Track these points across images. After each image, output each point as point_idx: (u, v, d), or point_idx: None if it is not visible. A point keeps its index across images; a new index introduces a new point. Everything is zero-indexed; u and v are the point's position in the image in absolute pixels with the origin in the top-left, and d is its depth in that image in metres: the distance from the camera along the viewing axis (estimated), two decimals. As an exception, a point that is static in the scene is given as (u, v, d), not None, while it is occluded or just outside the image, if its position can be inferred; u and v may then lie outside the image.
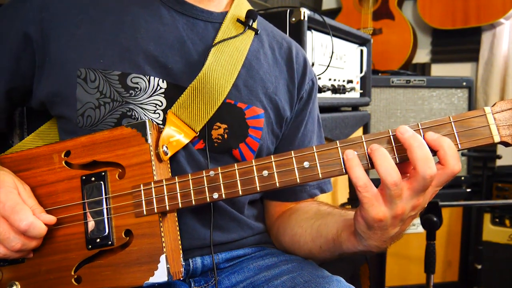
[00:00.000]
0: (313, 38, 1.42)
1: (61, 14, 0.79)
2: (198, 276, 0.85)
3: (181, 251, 0.74)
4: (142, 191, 0.71)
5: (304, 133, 0.97)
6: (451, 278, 2.37)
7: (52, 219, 0.73)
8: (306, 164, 0.66)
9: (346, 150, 0.65)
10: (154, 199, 0.70)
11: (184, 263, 0.75)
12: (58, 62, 0.78)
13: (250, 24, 0.88)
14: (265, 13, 1.39)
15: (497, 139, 0.62)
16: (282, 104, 0.91)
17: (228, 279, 0.85)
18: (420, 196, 0.63)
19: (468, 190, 2.33)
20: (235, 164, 0.68)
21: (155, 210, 0.70)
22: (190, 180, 0.70)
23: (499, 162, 2.51)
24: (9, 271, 0.77)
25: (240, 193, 0.68)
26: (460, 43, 2.78)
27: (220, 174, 0.69)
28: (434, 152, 0.63)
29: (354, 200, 1.73)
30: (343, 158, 0.65)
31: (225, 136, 0.83)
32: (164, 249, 0.69)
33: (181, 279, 0.74)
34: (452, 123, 0.63)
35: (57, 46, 0.78)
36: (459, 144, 0.63)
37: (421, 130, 0.63)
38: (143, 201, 0.71)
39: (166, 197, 0.70)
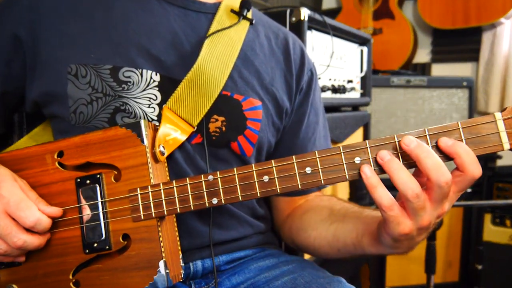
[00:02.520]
0: (313, 38, 1.42)
1: (50, 13, 0.78)
2: (198, 278, 0.84)
3: (180, 253, 0.74)
4: (139, 195, 0.69)
5: (308, 124, 0.95)
6: (451, 279, 2.37)
7: (57, 211, 0.72)
8: (308, 169, 0.64)
9: (363, 167, 0.62)
10: (152, 203, 0.69)
11: (183, 265, 0.74)
12: (49, 61, 0.77)
13: (245, 14, 0.87)
14: (265, 13, 1.38)
15: (506, 146, 0.60)
16: (280, 95, 0.89)
17: (228, 280, 0.85)
18: (444, 203, 0.61)
19: (469, 190, 2.33)
20: (235, 169, 0.67)
21: (153, 215, 0.69)
22: (188, 185, 0.68)
23: (499, 162, 2.51)
24: (7, 273, 0.77)
25: (240, 198, 0.66)
26: (461, 43, 2.77)
27: (219, 179, 0.67)
28: (448, 158, 0.60)
29: (355, 200, 1.73)
30: (360, 176, 0.62)
31: (223, 128, 0.81)
32: (163, 254, 0.68)
33: (181, 281, 0.74)
34: (461, 129, 0.61)
35: (47, 45, 0.77)
36: None
37: (428, 136, 0.61)
38: (140, 206, 0.69)
39: (164, 201, 0.68)
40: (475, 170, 0.59)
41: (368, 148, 0.63)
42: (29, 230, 0.70)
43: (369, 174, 0.61)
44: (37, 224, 0.69)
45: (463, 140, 0.60)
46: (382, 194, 0.60)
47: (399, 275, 2.28)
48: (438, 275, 2.27)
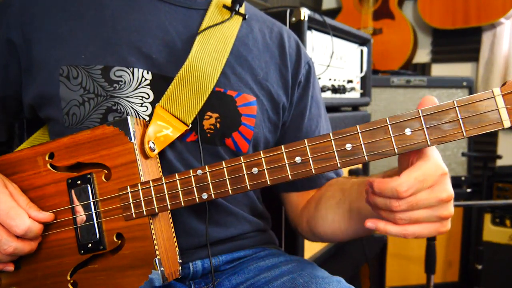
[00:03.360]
0: (313, 38, 1.42)
1: (40, 15, 0.78)
2: (198, 278, 0.84)
3: (177, 249, 0.74)
4: (129, 193, 0.69)
5: (310, 117, 0.94)
6: (451, 279, 2.37)
7: (48, 216, 0.72)
8: (298, 159, 0.62)
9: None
10: (142, 201, 0.68)
11: (180, 260, 0.74)
12: (41, 63, 0.77)
13: (237, 9, 0.86)
14: (265, 13, 1.38)
15: (507, 124, 0.56)
16: (275, 89, 0.89)
17: (228, 281, 0.85)
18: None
19: (469, 190, 2.33)
20: (223, 162, 0.66)
21: (144, 213, 0.68)
22: (178, 181, 0.67)
23: (499, 162, 2.51)
24: (7, 276, 0.77)
25: (230, 192, 0.65)
26: (461, 43, 2.77)
27: (208, 173, 0.66)
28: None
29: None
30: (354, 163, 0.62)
31: (218, 125, 0.81)
32: (157, 252, 0.68)
33: (179, 279, 0.73)
34: (457, 108, 0.57)
35: (39, 48, 0.77)
36: (464, 132, 0.57)
37: (421, 117, 0.58)
38: (131, 204, 0.69)
39: (154, 199, 0.68)
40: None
41: (359, 133, 0.60)
42: (19, 236, 0.70)
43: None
44: (28, 232, 0.69)
45: (460, 119, 0.57)
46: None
47: (399, 275, 2.28)
48: (438, 275, 2.27)
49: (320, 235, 0.90)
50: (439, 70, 2.89)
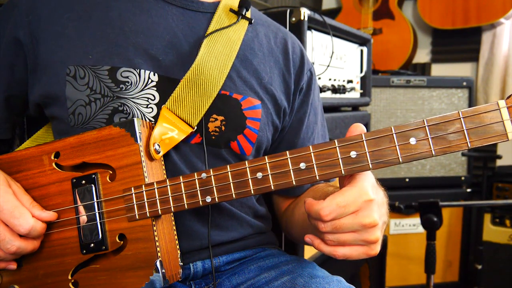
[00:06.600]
0: (313, 38, 1.42)
1: (47, 15, 0.78)
2: (199, 279, 0.84)
3: (178, 251, 0.74)
4: (133, 194, 0.69)
5: (308, 124, 0.95)
6: (451, 278, 2.37)
7: (51, 215, 0.73)
8: (302, 165, 0.63)
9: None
10: (146, 203, 0.69)
11: (182, 263, 0.74)
12: (48, 63, 0.77)
13: (243, 13, 0.87)
14: (265, 13, 1.38)
15: (511, 136, 0.56)
16: (278, 94, 0.89)
17: (228, 281, 0.85)
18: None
19: (468, 190, 2.33)
20: (228, 166, 0.66)
21: (148, 215, 0.69)
22: (182, 183, 0.68)
23: (499, 162, 2.51)
24: (9, 274, 0.77)
25: (234, 196, 0.66)
26: (460, 43, 2.77)
27: (212, 177, 0.66)
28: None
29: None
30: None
31: (223, 128, 0.81)
32: (159, 254, 0.68)
33: (179, 280, 0.74)
34: (462, 119, 0.57)
35: (46, 47, 0.77)
36: (468, 143, 0.57)
37: (427, 127, 0.59)
38: (135, 205, 0.69)
39: (158, 201, 0.68)
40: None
41: (364, 142, 0.61)
42: (23, 235, 0.70)
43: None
44: (31, 231, 0.70)
45: (465, 131, 0.57)
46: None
47: (399, 275, 2.28)
48: (438, 275, 2.27)
49: (295, 238, 0.97)
50: (439, 70, 2.89)
